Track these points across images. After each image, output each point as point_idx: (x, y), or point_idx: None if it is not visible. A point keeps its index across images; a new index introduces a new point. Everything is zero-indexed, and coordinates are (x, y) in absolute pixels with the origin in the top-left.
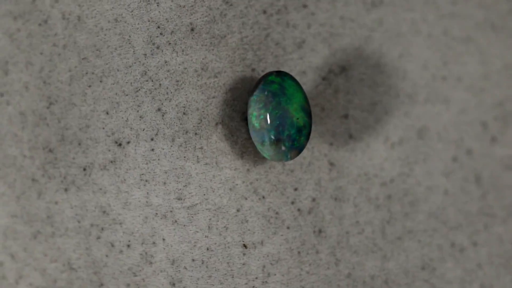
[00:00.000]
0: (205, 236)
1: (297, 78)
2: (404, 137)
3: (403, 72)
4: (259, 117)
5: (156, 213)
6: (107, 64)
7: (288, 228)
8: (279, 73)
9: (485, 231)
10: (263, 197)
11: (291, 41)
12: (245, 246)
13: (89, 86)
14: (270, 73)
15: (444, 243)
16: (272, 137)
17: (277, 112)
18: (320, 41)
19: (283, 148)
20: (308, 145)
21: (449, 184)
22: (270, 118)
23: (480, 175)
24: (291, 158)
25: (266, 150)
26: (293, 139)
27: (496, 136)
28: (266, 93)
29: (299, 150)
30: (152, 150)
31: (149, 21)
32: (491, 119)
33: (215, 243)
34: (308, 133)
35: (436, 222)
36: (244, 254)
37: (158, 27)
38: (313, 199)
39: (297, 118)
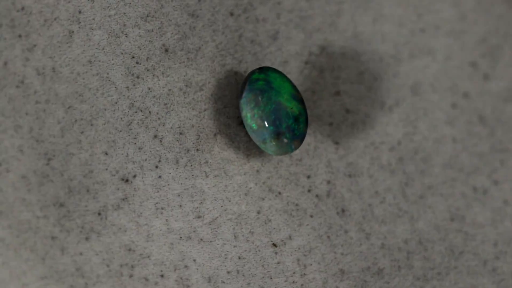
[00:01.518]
0: (234, 246)
1: (280, 69)
2: (399, 98)
3: (381, 35)
4: (254, 116)
5: (180, 237)
6: (93, 106)
7: (311, 216)
8: (262, 69)
9: (502, 167)
10: (279, 193)
11: (265, 35)
12: (274, 245)
13: (82, 133)
14: (253, 72)
15: (466, 189)
16: (272, 132)
17: (269, 107)
18: (293, 27)
19: (285, 140)
20: (309, 131)
21: (455, 131)
22: (264, 115)
23: (483, 114)
24: (296, 148)
25: (269, 147)
26: (292, 129)
27: (488, 72)
28: (254, 92)
29: (301, 138)
30: (160, 177)
31: (122, 54)
32: (478, 57)
33: (245, 250)
34: (306, 120)
35: (453, 172)
36: (276, 253)
37: (133, 57)
38: (328, 182)
39: (291, 108)
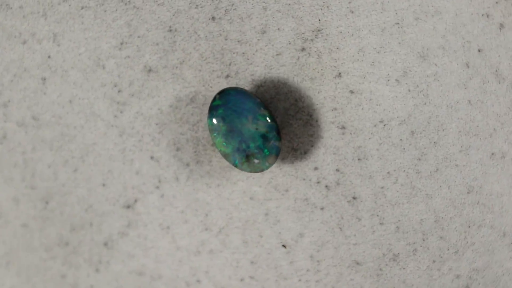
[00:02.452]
0: (244, 253)
1: (274, 61)
2: (406, 67)
3: (380, 4)
4: (222, 143)
5: (189, 253)
6: (82, 144)
7: (321, 209)
8: (221, 93)
9: None
10: (286, 190)
11: (253, 32)
12: (284, 246)
13: (75, 171)
14: (214, 98)
15: (483, 155)
16: (241, 156)
17: (232, 133)
18: (281, 17)
19: (256, 161)
20: (312, 120)
21: (469, 93)
22: (227, 141)
23: (498, 69)
24: (271, 164)
25: (244, 168)
26: (262, 148)
27: (503, 21)
28: (216, 119)
29: (275, 153)
30: (162, 197)
31: (102, 86)
32: (491, 6)
33: (256, 255)
34: (277, 133)
35: (468, 138)
36: (287, 253)
37: (115, 85)
38: (337, 170)
39: (256, 128)
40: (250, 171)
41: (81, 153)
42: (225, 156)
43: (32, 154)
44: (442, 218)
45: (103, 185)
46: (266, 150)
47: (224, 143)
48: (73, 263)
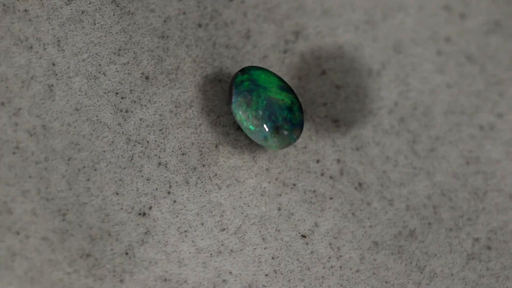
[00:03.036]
0: (264, 248)
1: (261, 64)
2: (384, 60)
3: (350, 5)
4: (249, 118)
5: (211, 254)
6: (91, 152)
7: (331, 198)
8: (244, 70)
9: (502, 99)
10: (294, 184)
11: (238, 37)
12: (303, 236)
13: (88, 180)
14: (235, 75)
15: (473, 130)
16: (271, 128)
17: (261, 104)
18: (262, 21)
19: (285, 133)
20: (306, 116)
21: (447, 77)
22: (258, 113)
23: (469, 53)
24: (297, 137)
25: (272, 143)
26: (289, 119)
27: (463, 11)
28: (242, 94)
29: (300, 126)
30: (175, 202)
31: (105, 93)
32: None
33: (277, 249)
34: (300, 107)
35: (456, 116)
36: (307, 244)
37: (117, 93)
38: (338, 161)
39: (282, 100)
40: (278, 146)
41: (93, 162)
42: (254, 132)
43: (45, 164)
44: (448, 190)
45: (117, 193)
46: (293, 120)
47: (251, 117)
48: (98, 275)
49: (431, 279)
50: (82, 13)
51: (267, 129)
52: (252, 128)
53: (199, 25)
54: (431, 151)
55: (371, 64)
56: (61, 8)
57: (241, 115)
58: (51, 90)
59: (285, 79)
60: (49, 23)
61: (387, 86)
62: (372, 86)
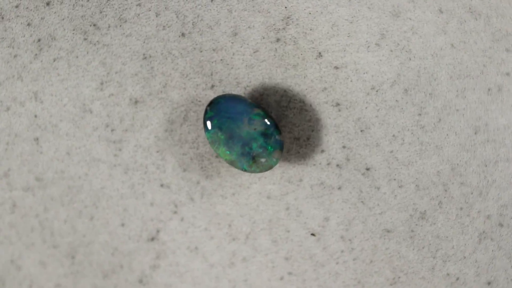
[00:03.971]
0: (276, 252)
1: (253, 59)
2: (382, 29)
3: None
4: (225, 152)
5: (223, 267)
6: (91, 191)
7: (339, 188)
8: (211, 104)
9: (509, 54)
10: (300, 180)
11: (225, 37)
12: (313, 234)
13: (91, 219)
14: (206, 111)
15: (480, 94)
16: (247, 159)
17: (232, 140)
18: (248, 15)
19: (263, 160)
20: (305, 105)
21: (450, 37)
22: (230, 148)
23: (471, 6)
24: (278, 159)
25: (253, 170)
26: (265, 146)
27: None
28: (213, 131)
29: (280, 147)
30: (182, 220)
31: (94, 130)
32: None
33: (288, 251)
34: (276, 127)
35: (461, 82)
36: (318, 240)
37: (106, 126)
38: (343, 147)
39: (254, 128)
40: (260, 171)
41: (93, 200)
42: (232, 163)
43: (46, 215)
44: (457, 164)
45: (122, 225)
46: (269, 147)
47: (227, 152)
48: None
49: (444, 263)
50: (54, 61)
51: (243, 163)
52: (229, 159)
53: (182, 35)
54: (438, 123)
55: (369, 36)
56: (30, 63)
57: (216, 150)
58: (37, 143)
59: (279, 70)
60: (21, 81)
61: (388, 57)
62: (372, 60)
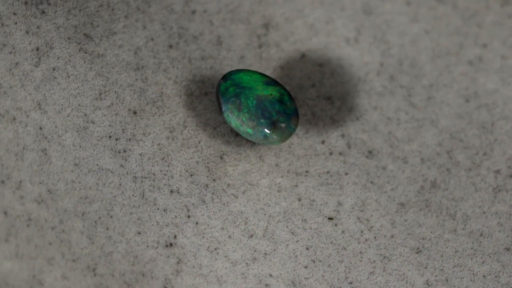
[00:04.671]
0: (296, 242)
1: (241, 66)
2: (358, 26)
3: None
4: (244, 122)
5: (247, 263)
6: (103, 201)
7: (346, 174)
8: (225, 77)
9: (482, 29)
10: (307, 171)
11: (211, 46)
12: (330, 218)
13: (107, 229)
14: (219, 84)
15: (462, 67)
16: (267, 125)
17: (251, 105)
18: (229, 24)
19: (283, 125)
20: (299, 102)
21: (423, 24)
22: (251, 114)
23: None
24: (296, 126)
25: (273, 139)
26: (283, 111)
27: None
28: (230, 100)
29: (296, 114)
30: (197, 223)
31: (99, 140)
32: None
33: (308, 239)
34: (290, 96)
35: (442, 60)
36: (336, 225)
37: (110, 137)
38: (342, 135)
39: (270, 94)
40: (279, 141)
41: (106, 210)
42: (252, 134)
43: (62, 227)
44: (456, 132)
45: (139, 233)
46: (288, 110)
47: (245, 120)
48: None
49: (465, 222)
50: (54, 70)
51: (264, 127)
52: (249, 131)
53: (170, 46)
54: (428, 100)
55: (347, 32)
56: (31, 72)
57: (235, 121)
58: (46, 154)
59: (267, 73)
60: (24, 89)
61: (368, 49)
62: (354, 54)
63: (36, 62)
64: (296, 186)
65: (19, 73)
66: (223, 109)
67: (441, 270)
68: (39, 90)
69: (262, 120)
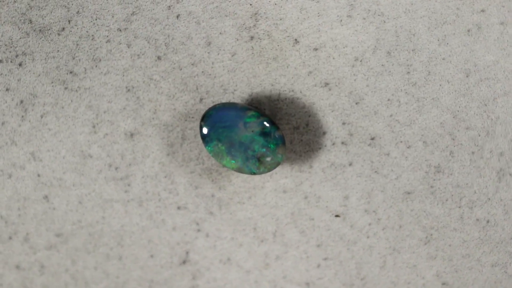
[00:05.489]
0: (306, 242)
1: (233, 63)
2: (350, 1)
3: None
4: (230, 162)
5: (259, 270)
6: (111, 232)
7: (350, 164)
8: (204, 118)
9: None
10: (310, 167)
11: (200, 49)
12: (337, 216)
13: (120, 259)
14: (200, 126)
15: (461, 37)
16: (254, 162)
17: (234, 147)
18: (217, 22)
19: (268, 159)
20: (296, 93)
21: None
22: (235, 155)
23: None
24: (284, 154)
25: (263, 171)
26: (267, 145)
27: None
28: (212, 144)
29: (282, 142)
30: (207, 236)
31: (99, 173)
32: None
33: (318, 238)
34: (273, 124)
35: (440, 30)
36: (344, 219)
37: (110, 166)
38: (343, 123)
39: (252, 131)
40: (269, 171)
41: (116, 241)
42: (240, 170)
43: (75, 267)
44: (458, 111)
45: (151, 256)
46: (271, 144)
47: (232, 161)
48: None
49: (471, 210)
50: (42, 117)
51: (250, 166)
52: (235, 167)
53: (158, 58)
54: (428, 76)
55: (339, 10)
56: (19, 126)
57: (221, 161)
58: (48, 200)
59: (261, 66)
60: (15, 145)
61: (362, 25)
62: (348, 33)
63: (23, 116)
64: (301, 184)
65: (7, 132)
66: (208, 150)
67: (450, 260)
68: (30, 142)
69: (246, 161)
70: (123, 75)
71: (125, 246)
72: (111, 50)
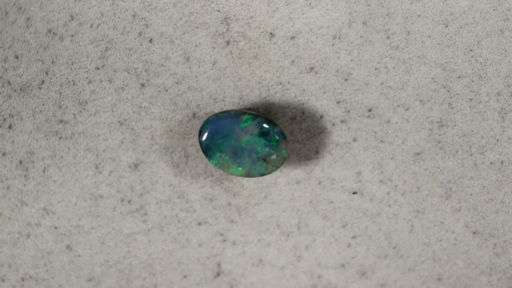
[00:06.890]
0: (331, 226)
1: (216, 71)
2: None
3: None
4: (237, 168)
5: (293, 264)
6: (141, 264)
7: (354, 140)
8: (201, 134)
9: None
10: (317, 152)
11: (180, 66)
12: (355, 193)
13: (155, 286)
14: (200, 142)
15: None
16: (259, 163)
17: (237, 154)
18: (190, 35)
19: (273, 157)
20: (285, 84)
21: None
22: (240, 163)
23: None
24: (287, 147)
25: (271, 170)
26: (269, 144)
27: None
28: (215, 157)
29: (283, 137)
30: (234, 244)
31: (113, 210)
32: None
33: (342, 219)
34: (269, 121)
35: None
36: (362, 195)
37: (122, 201)
38: (337, 102)
39: (251, 134)
40: (278, 168)
41: (147, 271)
42: (249, 175)
43: None
44: (446, 62)
45: (185, 276)
46: (273, 142)
47: (239, 168)
48: None
49: (483, 155)
50: (44, 171)
51: (257, 165)
52: (244, 173)
53: (142, 85)
54: (408, 36)
55: (317, 3)
56: (24, 186)
57: (229, 170)
58: (70, 249)
59: (244, 67)
60: (25, 205)
61: (332, 3)
62: (320, 14)
63: (25, 176)
64: (312, 171)
65: (14, 194)
66: (211, 162)
67: (475, 209)
68: (39, 198)
69: (251, 164)
70: (113, 111)
71: (157, 274)
72: (94, 90)
